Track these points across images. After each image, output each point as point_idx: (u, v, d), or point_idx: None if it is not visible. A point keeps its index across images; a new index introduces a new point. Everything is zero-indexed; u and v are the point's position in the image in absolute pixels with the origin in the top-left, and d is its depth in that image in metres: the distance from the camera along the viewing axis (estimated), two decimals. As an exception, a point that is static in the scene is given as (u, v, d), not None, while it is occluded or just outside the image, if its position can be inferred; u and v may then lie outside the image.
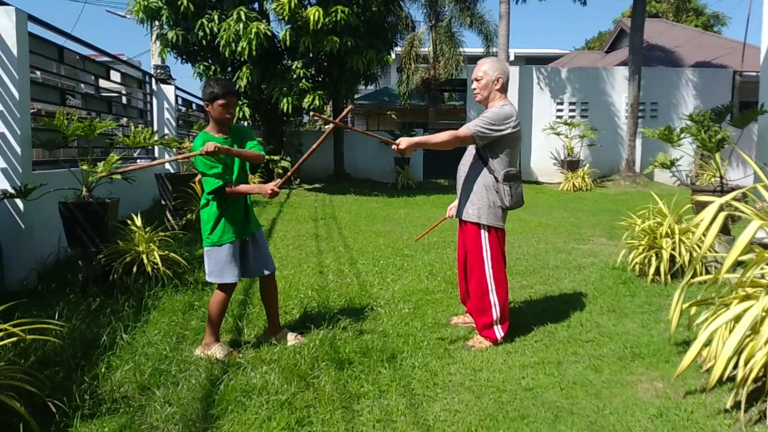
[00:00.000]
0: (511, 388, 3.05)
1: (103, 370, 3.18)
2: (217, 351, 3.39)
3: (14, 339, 2.78)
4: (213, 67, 11.99)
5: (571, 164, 14.35)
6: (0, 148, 4.70)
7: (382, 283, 5.07)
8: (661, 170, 14.51)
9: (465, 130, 3.51)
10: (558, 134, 14.55)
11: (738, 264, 3.13)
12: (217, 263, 3.42)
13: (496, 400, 2.92)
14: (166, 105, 9.99)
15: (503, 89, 3.67)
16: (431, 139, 3.59)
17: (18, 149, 4.74)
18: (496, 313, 3.62)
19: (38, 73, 6.88)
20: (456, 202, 3.88)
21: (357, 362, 3.32)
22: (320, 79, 12.60)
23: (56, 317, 3.66)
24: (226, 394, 2.90)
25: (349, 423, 2.70)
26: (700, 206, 4.74)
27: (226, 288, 3.48)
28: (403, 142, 3.37)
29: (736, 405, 2.70)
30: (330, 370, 3.21)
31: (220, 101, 3.33)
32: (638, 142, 14.63)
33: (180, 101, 11.25)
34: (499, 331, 3.64)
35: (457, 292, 4.17)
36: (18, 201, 4.68)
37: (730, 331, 2.80)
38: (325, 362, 3.30)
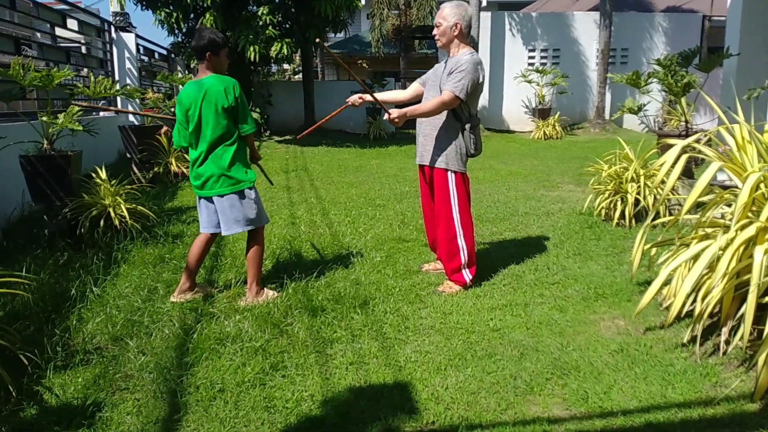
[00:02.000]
0: (480, 329, 3.15)
1: (74, 322, 3.18)
2: (270, 294, 3.57)
3: (-20, 294, 2.75)
4: (175, 14, 11.51)
5: (542, 112, 14.37)
6: (-48, 100, 4.51)
7: (354, 233, 5.10)
8: (630, 117, 14.68)
9: (448, 93, 3.49)
10: (530, 82, 14.50)
11: (699, 205, 3.23)
12: (257, 203, 3.51)
13: (465, 340, 3.01)
14: (127, 54, 9.63)
15: (462, 35, 3.63)
16: (420, 108, 3.60)
17: (-28, 101, 4.55)
18: (464, 257, 3.69)
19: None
20: (365, 96, 3.75)
21: (330, 309, 3.38)
22: (288, 26, 12.24)
23: (23, 272, 3.61)
24: (200, 343, 2.93)
25: (323, 366, 2.76)
26: (665, 150, 4.82)
27: (262, 232, 3.63)
28: (395, 113, 3.46)
29: (693, 339, 2.84)
30: (303, 318, 3.26)
31: (225, 50, 3.35)
32: (608, 89, 14.68)
33: (142, 50, 10.85)
34: (467, 275, 3.73)
35: (427, 240, 4.23)
36: (-24, 155, 4.52)
37: (689, 270, 2.90)
38: (299, 310, 3.35)
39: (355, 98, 3.77)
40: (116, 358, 2.82)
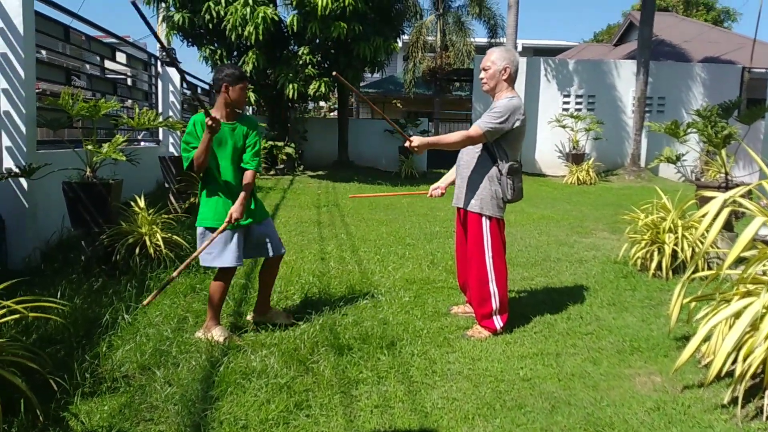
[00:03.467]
0: (509, 378, 3.06)
1: (104, 349, 3.20)
2: (217, 333, 3.40)
3: (16, 316, 2.80)
4: (219, 51, 11.95)
5: (576, 157, 14.30)
6: (5, 127, 4.70)
7: (383, 271, 5.08)
8: (666, 166, 14.47)
9: (476, 128, 3.51)
10: (564, 127, 14.49)
11: (740, 260, 3.13)
12: (215, 246, 3.39)
13: (494, 389, 2.93)
14: (171, 88, 9.96)
15: (510, 80, 3.65)
16: (443, 139, 3.63)
17: (23, 128, 4.74)
18: (495, 303, 3.63)
19: (44, 52, 6.85)
20: (440, 183, 3.99)
21: (356, 348, 3.34)
22: (326, 65, 12.55)
23: (58, 296, 3.68)
24: (225, 376, 2.92)
25: (348, 408, 2.71)
26: (704, 202, 4.72)
27: (227, 272, 3.48)
28: (416, 140, 3.47)
29: (734, 401, 2.71)
30: (329, 356, 3.22)
31: (240, 84, 3.38)
32: (644, 136, 14.57)
33: (185, 85, 11.21)
34: (498, 322, 3.65)
35: (457, 282, 4.18)
36: (22, 180, 4.68)
37: (730, 327, 2.80)
38: (325, 348, 3.32)
39: (437, 192, 4.02)
40: (143, 388, 2.82)
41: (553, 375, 3.10)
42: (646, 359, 3.34)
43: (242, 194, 3.37)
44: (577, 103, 15.45)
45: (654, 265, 4.99)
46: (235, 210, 3.31)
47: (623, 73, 15.41)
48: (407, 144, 3.50)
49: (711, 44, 19.54)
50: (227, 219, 3.29)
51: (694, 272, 3.58)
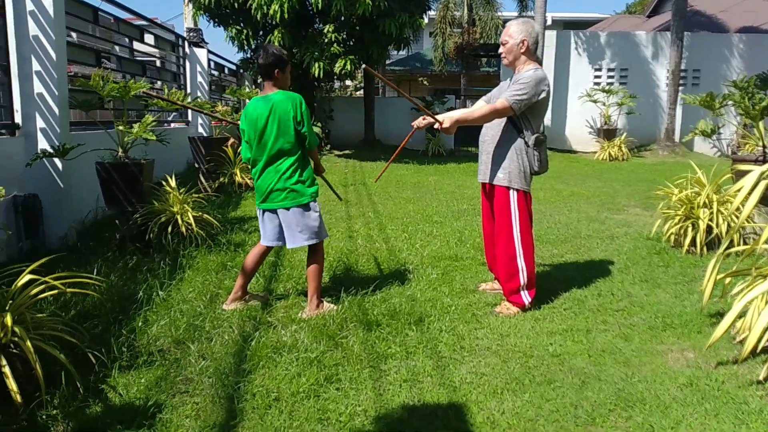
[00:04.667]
0: (538, 353, 3.05)
1: (139, 324, 3.29)
2: (328, 306, 3.57)
3: (55, 292, 2.88)
4: (245, 31, 11.95)
5: (607, 133, 14.00)
6: (38, 108, 4.80)
7: (410, 249, 5.08)
8: (701, 140, 14.10)
9: (502, 101, 3.47)
10: (595, 102, 14.17)
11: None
12: (320, 217, 3.55)
13: (523, 364, 2.93)
14: (198, 68, 10.04)
15: (529, 52, 3.59)
16: (471, 114, 3.58)
17: (56, 109, 4.84)
18: (523, 278, 3.61)
19: (74, 35, 6.96)
20: (426, 120, 3.73)
21: (385, 324, 3.36)
22: (351, 43, 12.46)
23: (95, 273, 3.78)
24: (257, 351, 2.98)
25: (377, 382, 2.74)
26: (741, 176, 4.59)
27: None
28: (447, 121, 3.45)
29: (770, 377, 2.66)
30: (358, 331, 3.25)
31: (289, 66, 3.47)
32: (678, 110, 14.17)
33: (212, 65, 11.29)
34: (526, 297, 3.64)
35: (486, 259, 4.16)
36: (57, 161, 4.80)
37: (766, 303, 2.73)
38: (354, 323, 3.35)
39: (419, 121, 3.77)
40: (178, 361, 2.90)
41: (583, 351, 3.08)
42: (678, 335, 3.29)
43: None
44: (608, 77, 15.07)
45: (688, 240, 4.88)
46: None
47: (657, 46, 14.95)
48: (437, 126, 3.49)
49: (749, 14, 18.79)
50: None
51: (728, 247, 3.50)
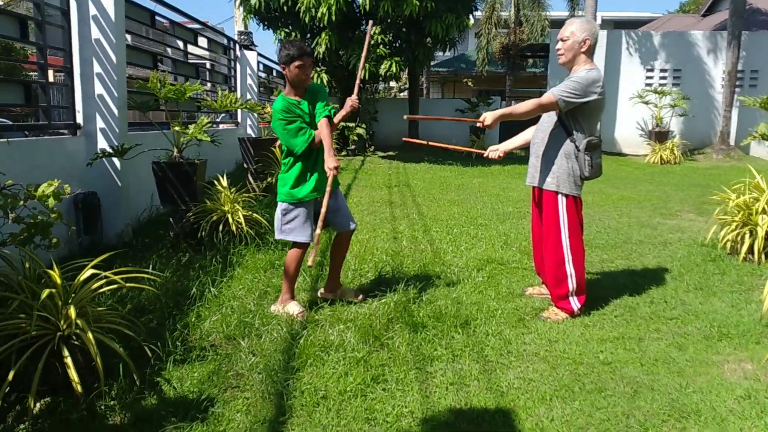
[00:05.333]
0: (588, 361, 3.00)
1: (193, 319, 3.39)
2: (294, 308, 3.53)
3: (114, 287, 3.00)
4: (293, 33, 12.16)
5: (659, 135, 13.61)
6: (99, 109, 5.00)
7: (455, 251, 5.06)
8: (759, 144, 13.54)
9: (549, 96, 3.39)
10: (647, 103, 13.80)
11: None
12: (286, 220, 3.53)
13: (572, 371, 2.88)
14: (248, 71, 10.25)
15: (590, 52, 3.51)
16: (515, 109, 3.49)
17: (115, 110, 5.03)
18: (572, 284, 3.55)
19: (129, 37, 7.21)
20: (500, 146, 3.87)
21: (430, 326, 3.36)
22: (397, 44, 12.50)
23: (150, 269, 3.91)
24: (305, 349, 3.02)
25: (423, 383, 2.75)
26: (805, 182, 4.40)
27: (302, 246, 3.57)
28: (488, 117, 3.38)
29: (836, 392, 2.54)
30: (404, 333, 3.27)
31: (296, 63, 3.38)
32: (734, 113, 13.64)
33: (261, 67, 11.50)
34: (575, 303, 3.57)
35: (533, 263, 4.11)
36: (115, 160, 4.98)
37: (834, 315, 2.61)
38: (399, 324, 3.36)
39: (494, 155, 3.88)
40: (229, 357, 2.97)
41: (635, 359, 3.01)
42: (735, 346, 3.17)
43: (326, 146, 3.35)
44: (661, 78, 14.65)
45: (745, 248, 4.70)
46: (331, 162, 3.31)
47: (712, 46, 14.45)
48: (478, 124, 3.45)
49: (814, 11, 17.96)
50: (331, 174, 3.33)
51: (792, 256, 3.36)
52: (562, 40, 3.53)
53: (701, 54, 14.57)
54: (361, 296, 3.80)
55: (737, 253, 4.78)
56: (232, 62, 10.01)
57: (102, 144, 5.00)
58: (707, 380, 2.79)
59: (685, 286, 4.16)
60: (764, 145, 13.39)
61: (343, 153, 13.43)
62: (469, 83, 26.30)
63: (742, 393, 2.66)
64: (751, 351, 3.11)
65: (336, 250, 3.78)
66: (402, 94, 25.60)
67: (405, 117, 4.69)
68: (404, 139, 4.61)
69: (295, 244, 3.57)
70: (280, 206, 3.56)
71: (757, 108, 5.63)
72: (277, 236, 3.61)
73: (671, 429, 2.40)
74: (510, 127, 3.70)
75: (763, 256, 4.64)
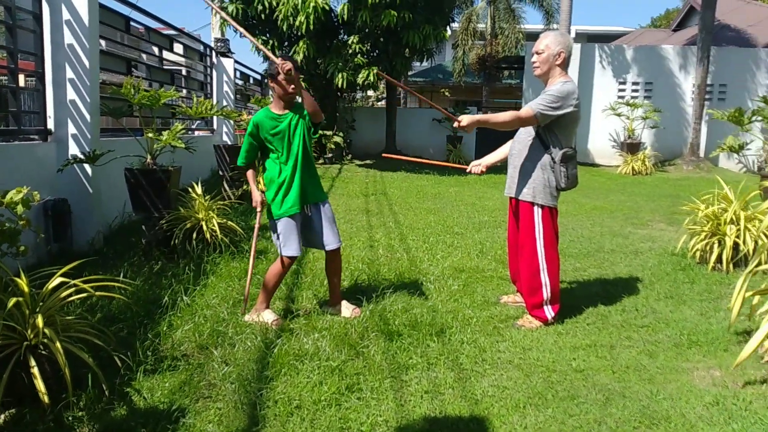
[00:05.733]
0: (561, 368, 3.03)
1: (164, 328, 3.34)
2: (268, 317, 3.49)
3: (83, 295, 2.93)
4: (271, 42, 12.12)
5: (631, 147, 13.87)
6: (70, 115, 4.91)
7: (431, 260, 5.08)
8: (727, 156, 13.90)
9: (527, 110, 3.43)
10: (619, 115, 14.06)
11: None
12: (283, 234, 3.49)
13: (546, 379, 2.90)
14: (225, 78, 10.19)
15: (564, 65, 3.56)
16: (493, 118, 3.51)
17: (87, 116, 4.95)
18: (546, 293, 3.58)
19: (103, 42, 7.12)
20: (482, 161, 3.89)
21: (406, 335, 3.36)
22: (375, 54, 12.56)
23: (121, 277, 3.84)
24: (279, 358, 3.00)
25: (398, 392, 2.74)
26: (770, 193, 4.52)
27: (289, 261, 3.54)
28: (465, 119, 3.40)
29: (800, 398, 2.60)
30: (379, 341, 3.26)
31: (280, 76, 3.37)
32: (704, 125, 13.99)
33: (238, 74, 11.44)
34: (549, 312, 3.61)
35: (508, 271, 4.15)
36: (87, 166, 4.90)
37: (798, 323, 2.68)
38: (375, 333, 3.36)
39: (477, 170, 3.90)
40: (201, 366, 2.93)
41: (606, 367, 3.05)
42: (704, 353, 3.24)
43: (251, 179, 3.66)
44: (633, 91, 14.95)
45: (714, 257, 4.81)
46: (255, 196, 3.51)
47: (683, 60, 14.82)
48: (455, 124, 3.45)
49: (779, 28, 18.54)
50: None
51: (757, 265, 3.44)
52: (537, 53, 3.59)
53: (672, 68, 14.92)
54: (355, 311, 3.72)
55: (706, 263, 4.89)
56: (209, 69, 9.95)
57: (73, 150, 4.92)
58: (677, 387, 2.84)
59: (656, 295, 4.24)
60: (732, 157, 13.74)
61: (321, 161, 13.41)
62: (446, 93, 26.49)
63: (710, 399, 2.71)
64: (719, 358, 3.17)
65: (328, 268, 3.75)
66: (380, 103, 25.69)
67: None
68: (384, 154, 4.64)
69: (281, 258, 3.53)
70: (270, 223, 3.60)
71: (725, 121, 5.78)
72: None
73: (642, 435, 2.42)
74: (486, 139, 3.75)
75: (731, 266, 4.75)
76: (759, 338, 2.77)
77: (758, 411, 2.60)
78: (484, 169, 3.89)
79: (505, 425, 2.48)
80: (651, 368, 3.04)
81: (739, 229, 4.77)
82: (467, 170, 3.94)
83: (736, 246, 4.77)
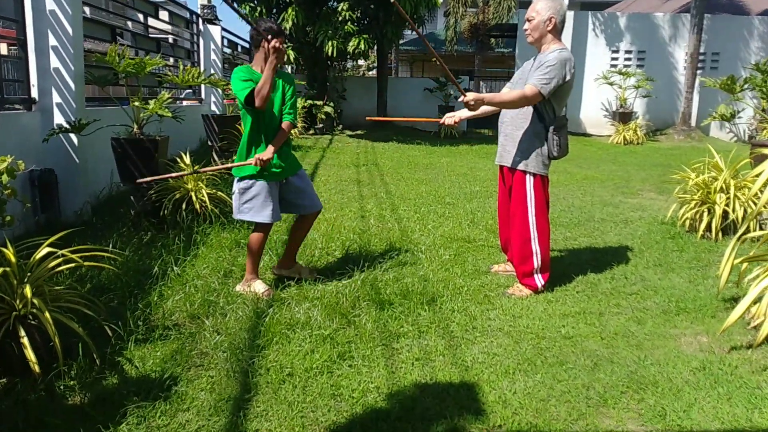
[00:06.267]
0: (551, 335, 3.06)
1: (155, 298, 3.33)
2: (259, 287, 3.49)
3: (72, 265, 2.91)
4: (259, 8, 11.87)
5: (623, 116, 13.83)
6: (54, 83, 4.81)
7: (423, 230, 5.08)
8: (718, 126, 13.91)
9: (531, 87, 3.35)
10: (611, 84, 13.98)
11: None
12: (245, 198, 3.41)
13: (535, 346, 2.93)
14: (212, 46, 9.99)
15: (556, 31, 3.51)
16: (498, 97, 3.46)
17: (72, 85, 4.85)
18: (537, 261, 3.60)
19: (87, 9, 6.93)
20: (457, 113, 3.76)
21: (397, 304, 3.38)
22: (366, 22, 12.35)
23: (110, 248, 3.81)
24: (271, 327, 3.00)
25: (389, 359, 2.76)
26: (759, 161, 4.53)
27: (265, 227, 3.51)
28: (471, 95, 3.32)
29: (784, 363, 2.65)
30: (371, 310, 3.27)
31: (278, 39, 3.27)
32: (696, 94, 13.95)
33: (226, 42, 11.24)
34: (539, 280, 3.63)
35: (498, 241, 4.15)
36: (72, 136, 4.82)
37: (784, 289, 2.71)
38: (366, 302, 3.37)
39: (449, 120, 3.75)
40: (193, 336, 2.93)
41: (595, 333, 3.08)
42: (692, 320, 3.28)
43: (273, 144, 3.37)
44: (626, 60, 14.84)
45: (703, 225, 4.84)
46: (264, 154, 3.30)
47: (676, 28, 14.68)
48: (461, 99, 3.38)
49: (773, -5, 18.36)
50: (254, 161, 3.30)
51: (745, 233, 3.46)
52: (528, 20, 3.54)
53: (665, 36, 14.79)
54: (315, 274, 3.76)
55: (695, 231, 4.92)
56: (195, 37, 9.75)
57: (59, 119, 4.83)
58: (664, 353, 2.88)
59: (645, 263, 4.27)
60: (724, 126, 13.76)
61: (311, 132, 13.30)
62: (438, 63, 26.21)
63: (697, 365, 2.75)
64: (707, 324, 3.21)
65: (298, 229, 3.72)
66: (371, 72, 25.40)
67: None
68: (367, 118, 4.55)
69: (257, 226, 3.49)
70: (239, 184, 3.43)
71: (718, 89, 5.75)
72: (236, 216, 3.52)
73: (630, 400, 2.46)
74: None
75: (720, 234, 4.79)
76: (746, 304, 2.81)
77: (743, 375, 2.65)
78: (458, 120, 3.77)
79: (495, 391, 2.51)
80: (639, 335, 3.08)
81: (728, 198, 4.80)
82: (440, 122, 3.81)
83: (725, 214, 4.80)
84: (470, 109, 3.44)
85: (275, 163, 3.40)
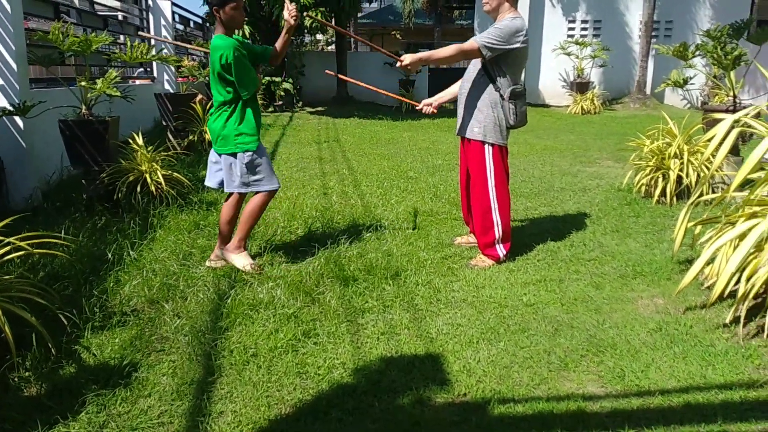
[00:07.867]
0: (513, 303, 3.10)
1: (111, 284, 3.24)
2: (246, 259, 3.49)
3: (22, 253, 2.81)
4: (211, -18, 11.49)
5: (580, 86, 14.00)
6: (-5, 65, 4.58)
7: (386, 205, 5.07)
8: (672, 93, 14.20)
9: (471, 42, 3.41)
10: (569, 54, 14.11)
11: (746, 183, 3.10)
12: (255, 168, 3.39)
13: (498, 314, 2.97)
14: (163, 22, 9.65)
15: (513, 0, 3.51)
16: (435, 54, 3.55)
17: (14, 65, 4.62)
18: (498, 232, 3.63)
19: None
20: (433, 99, 3.89)
21: (361, 279, 3.37)
22: (322, -6, 12.08)
23: (62, 234, 3.68)
24: (233, 308, 2.96)
25: (354, 335, 2.76)
26: (711, 126, 4.64)
27: (273, 193, 3.52)
28: (407, 58, 3.40)
29: (735, 320, 2.75)
30: (335, 287, 3.26)
31: (231, 4, 3.23)
32: (650, 63, 14.19)
33: (177, 18, 10.87)
34: (501, 250, 3.67)
35: (461, 213, 4.17)
36: (18, 119, 4.61)
37: (735, 249, 2.80)
38: (330, 279, 3.35)
39: (429, 110, 3.83)
40: (152, 321, 2.87)
41: (556, 300, 3.14)
42: (648, 283, 3.37)
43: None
44: (582, 29, 14.98)
45: (658, 191, 4.96)
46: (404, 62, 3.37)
47: (631, -3, 14.86)
48: (398, 64, 3.43)
49: (722, -37, 18.69)
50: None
51: (699, 196, 3.56)
52: None
53: (620, 5, 14.95)
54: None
55: (651, 197, 5.04)
56: (144, 13, 9.40)
57: (2, 102, 4.60)
58: (622, 316, 2.96)
59: (603, 229, 4.36)
60: (677, 92, 14.05)
61: (270, 109, 13.05)
62: (398, 36, 25.97)
63: (654, 326, 2.83)
64: (662, 287, 3.31)
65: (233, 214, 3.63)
66: (329, 47, 25.01)
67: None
68: (326, 72, 4.50)
69: (264, 193, 3.46)
70: (243, 157, 3.35)
71: (671, 57, 5.83)
72: (243, 190, 3.44)
73: (589, 363, 2.53)
74: (438, 82, 3.71)
75: (674, 199, 4.92)
76: (699, 265, 2.89)
77: (698, 334, 2.74)
78: (435, 109, 3.85)
79: (459, 360, 2.53)
80: (597, 299, 3.15)
81: (682, 163, 4.92)
82: (417, 107, 3.87)
83: (679, 179, 4.93)
84: (408, 72, 3.47)
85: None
